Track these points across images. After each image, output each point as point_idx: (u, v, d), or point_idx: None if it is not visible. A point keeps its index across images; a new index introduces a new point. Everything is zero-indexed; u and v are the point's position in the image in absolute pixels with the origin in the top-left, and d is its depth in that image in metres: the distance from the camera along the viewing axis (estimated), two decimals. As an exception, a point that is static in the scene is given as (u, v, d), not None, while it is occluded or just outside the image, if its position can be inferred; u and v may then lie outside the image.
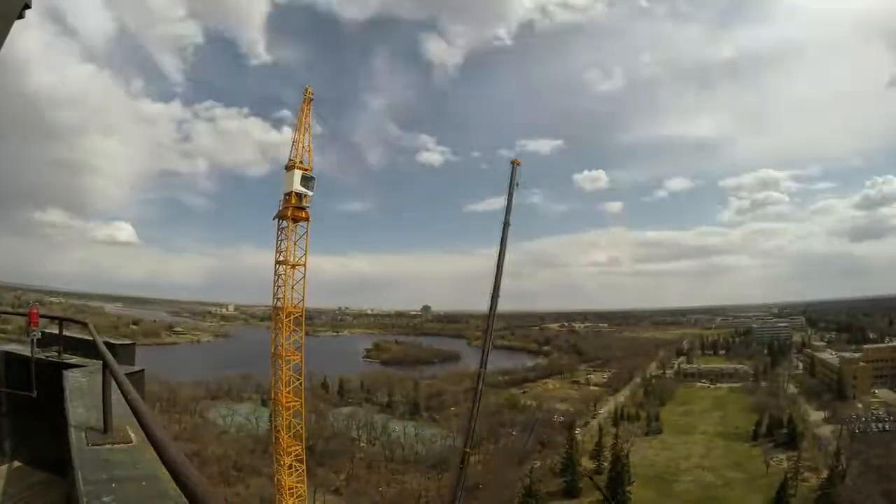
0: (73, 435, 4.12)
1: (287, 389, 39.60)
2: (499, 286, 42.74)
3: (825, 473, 65.49)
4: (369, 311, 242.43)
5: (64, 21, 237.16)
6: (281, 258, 40.50)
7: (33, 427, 6.61)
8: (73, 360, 7.59)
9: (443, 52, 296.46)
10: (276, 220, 40.88)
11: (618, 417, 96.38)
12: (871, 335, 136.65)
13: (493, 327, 43.40)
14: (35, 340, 7.38)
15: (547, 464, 75.69)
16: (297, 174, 39.94)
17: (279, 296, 40.42)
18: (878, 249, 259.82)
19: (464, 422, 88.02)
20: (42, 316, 7.89)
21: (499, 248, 43.63)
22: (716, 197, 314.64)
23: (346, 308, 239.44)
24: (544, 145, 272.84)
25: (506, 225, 44.20)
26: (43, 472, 6.10)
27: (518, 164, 46.11)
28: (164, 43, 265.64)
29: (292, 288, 40.35)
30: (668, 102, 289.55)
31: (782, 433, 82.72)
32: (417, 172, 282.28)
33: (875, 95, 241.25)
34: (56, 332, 8.23)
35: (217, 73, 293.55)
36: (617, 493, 67.22)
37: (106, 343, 6.00)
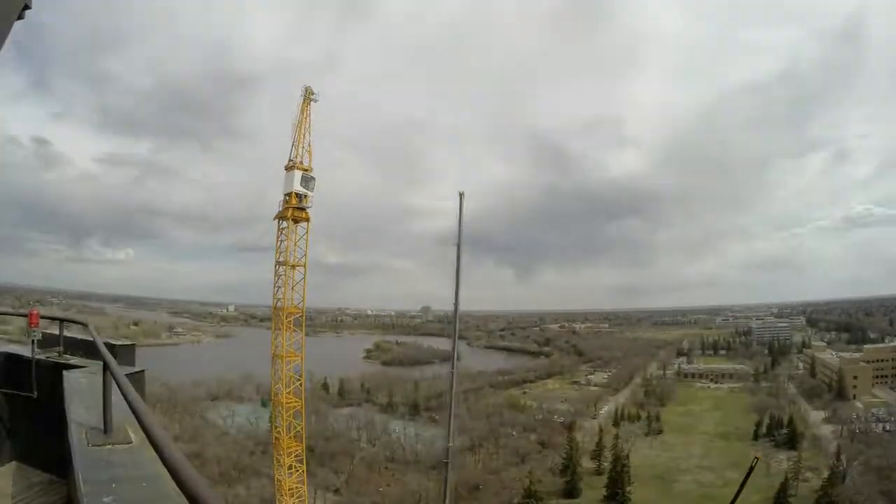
0: (74, 435, 4.12)
1: (287, 390, 39.59)
2: (458, 300, 43.03)
3: (825, 474, 65.34)
4: (369, 312, 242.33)
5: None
6: (281, 259, 40.49)
7: (34, 428, 6.62)
8: (74, 360, 7.59)
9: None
10: (277, 220, 40.90)
11: (618, 418, 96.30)
12: (872, 335, 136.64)
13: (458, 332, 44.43)
14: (35, 341, 7.38)
15: (547, 464, 75.60)
16: (297, 174, 39.97)
17: (279, 296, 40.44)
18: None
19: (462, 421, 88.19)
20: (42, 317, 7.89)
21: (455, 268, 44.71)
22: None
23: (347, 308, 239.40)
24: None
25: (458, 247, 45.58)
26: (43, 473, 6.10)
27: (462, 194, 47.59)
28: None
29: (292, 288, 40.38)
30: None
31: (782, 433, 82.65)
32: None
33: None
34: (56, 332, 8.23)
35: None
36: (617, 493, 67.24)
37: (106, 344, 6.00)
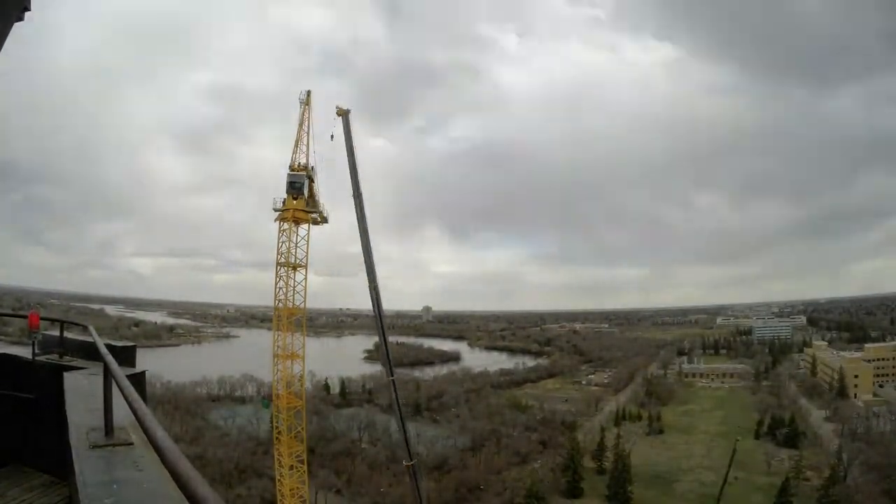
0: (74, 437, 4.11)
1: (288, 391, 39.60)
2: (374, 273, 37.55)
3: (827, 472, 65.30)
4: (369, 313, 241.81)
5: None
6: (282, 260, 40.46)
7: (34, 429, 6.61)
8: (74, 362, 7.58)
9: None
10: (278, 221, 40.83)
11: (619, 417, 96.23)
12: (873, 334, 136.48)
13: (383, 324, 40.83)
14: (36, 343, 7.38)
15: (549, 464, 75.54)
16: (300, 176, 39.94)
17: (280, 297, 40.43)
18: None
19: (463, 421, 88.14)
20: (43, 318, 7.89)
21: (359, 226, 36.50)
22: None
23: (347, 309, 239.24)
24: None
25: (356, 196, 36.58)
26: (44, 475, 6.10)
27: (348, 112, 36.72)
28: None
29: (293, 289, 40.37)
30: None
31: (784, 432, 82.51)
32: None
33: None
34: (57, 334, 8.23)
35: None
36: (619, 492, 67.21)
37: (107, 345, 6.00)
